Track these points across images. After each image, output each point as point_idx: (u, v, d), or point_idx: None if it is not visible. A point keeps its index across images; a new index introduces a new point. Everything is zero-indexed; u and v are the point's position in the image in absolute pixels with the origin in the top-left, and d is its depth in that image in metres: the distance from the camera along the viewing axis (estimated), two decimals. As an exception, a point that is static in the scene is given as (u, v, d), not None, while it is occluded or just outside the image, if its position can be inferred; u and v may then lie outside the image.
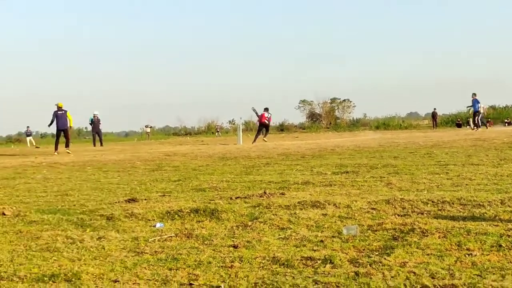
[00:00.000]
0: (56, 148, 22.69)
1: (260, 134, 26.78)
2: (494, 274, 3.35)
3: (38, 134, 69.35)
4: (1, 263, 4.12)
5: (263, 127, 27.09)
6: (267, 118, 26.91)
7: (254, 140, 25.94)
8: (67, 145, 22.58)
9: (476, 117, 32.20)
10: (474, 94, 31.87)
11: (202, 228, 5.17)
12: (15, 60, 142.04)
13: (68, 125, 22.57)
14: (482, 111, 34.44)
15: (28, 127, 49.41)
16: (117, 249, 4.46)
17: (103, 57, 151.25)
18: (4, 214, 6.24)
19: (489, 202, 5.60)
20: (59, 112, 22.20)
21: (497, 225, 4.64)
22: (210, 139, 39.71)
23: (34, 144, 45.06)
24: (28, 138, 48.28)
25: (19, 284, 3.59)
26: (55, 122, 22.27)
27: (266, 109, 26.89)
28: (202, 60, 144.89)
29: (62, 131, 22.40)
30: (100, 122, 31.76)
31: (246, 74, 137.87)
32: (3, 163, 16.59)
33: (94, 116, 31.58)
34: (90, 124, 32.29)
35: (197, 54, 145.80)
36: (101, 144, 30.63)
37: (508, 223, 4.69)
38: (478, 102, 31.98)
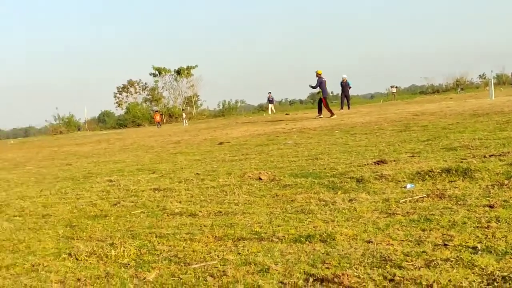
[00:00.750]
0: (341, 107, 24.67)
1: None
2: None
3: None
4: (261, 224, 4.41)
5: None
6: None
7: None
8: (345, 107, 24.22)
9: None
10: None
11: (455, 188, 5.03)
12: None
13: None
14: None
15: (270, 93, 47.00)
16: (369, 210, 4.52)
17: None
18: (260, 179, 6.64)
19: None
20: (322, 80, 22.95)
21: None
22: (459, 95, 38.06)
23: (275, 111, 44.33)
24: (270, 105, 46.12)
25: (278, 244, 3.81)
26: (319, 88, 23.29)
27: None
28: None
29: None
30: (350, 86, 31.98)
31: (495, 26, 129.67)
32: (257, 131, 17.61)
33: (342, 80, 31.44)
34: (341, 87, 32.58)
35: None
36: (349, 107, 30.88)
37: None
38: None
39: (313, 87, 23.41)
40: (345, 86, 31.43)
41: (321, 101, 23.30)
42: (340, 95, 32.42)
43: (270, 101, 46.49)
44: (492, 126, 10.39)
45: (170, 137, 20.63)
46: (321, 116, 22.77)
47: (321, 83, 22.85)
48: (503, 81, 63.00)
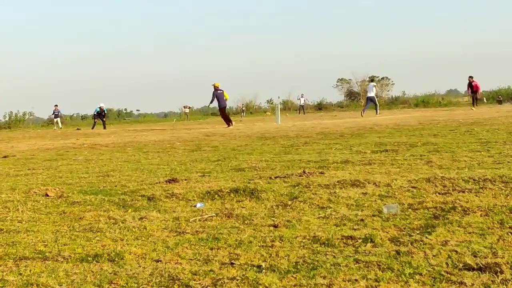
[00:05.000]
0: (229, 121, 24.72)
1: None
2: (538, 252, 3.30)
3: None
4: (45, 243, 4.21)
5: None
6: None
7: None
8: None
9: None
10: None
11: (242, 207, 5.20)
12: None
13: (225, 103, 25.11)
14: None
15: (56, 106, 43.89)
16: (159, 229, 4.52)
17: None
18: (47, 195, 6.36)
19: (532, 179, 5.51)
20: (218, 92, 24.32)
21: (541, 203, 4.56)
22: (249, 118, 39.64)
23: (61, 126, 42.25)
24: (56, 119, 43.57)
25: (63, 264, 3.66)
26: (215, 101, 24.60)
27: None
28: (241, 37, 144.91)
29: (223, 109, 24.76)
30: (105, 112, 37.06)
31: (281, 55, 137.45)
32: (45, 145, 16.89)
33: (100, 108, 36.41)
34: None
35: (241, 30, 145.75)
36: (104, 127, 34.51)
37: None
38: None
39: (211, 102, 24.86)
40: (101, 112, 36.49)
41: (222, 112, 24.82)
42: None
43: (56, 114, 44.02)
44: (278, 149, 10.95)
45: None
46: (230, 124, 24.05)
47: (217, 96, 24.10)
48: (289, 107, 66.71)
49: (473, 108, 29.99)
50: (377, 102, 30.76)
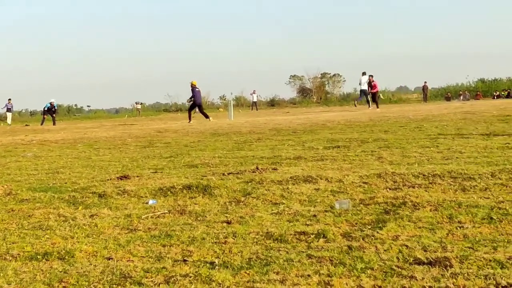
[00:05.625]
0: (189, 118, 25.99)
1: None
2: (485, 246, 3.37)
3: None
4: (-6, 242, 4.12)
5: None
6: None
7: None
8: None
9: None
10: None
11: (195, 204, 5.18)
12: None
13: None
14: None
15: (9, 99, 42.30)
16: (110, 226, 4.46)
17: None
18: (-5, 192, 6.22)
19: (479, 175, 5.62)
20: (196, 90, 25.44)
21: (487, 198, 4.67)
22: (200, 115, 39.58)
23: (10, 123, 40.60)
24: (7, 114, 42.53)
25: (12, 262, 3.59)
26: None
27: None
28: (197, 34, 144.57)
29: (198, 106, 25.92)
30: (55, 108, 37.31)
31: (235, 50, 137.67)
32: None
33: (50, 104, 36.21)
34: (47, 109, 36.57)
35: (193, 28, 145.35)
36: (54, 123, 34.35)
37: (499, 196, 4.72)
38: None
39: (189, 99, 26.15)
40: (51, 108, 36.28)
41: (196, 107, 26.07)
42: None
43: (9, 108, 42.59)
44: (231, 146, 10.95)
45: None
46: (209, 119, 24.94)
47: (195, 93, 25.49)
48: (242, 103, 66.71)
49: (361, 108, 30.36)
50: (369, 96, 31.72)
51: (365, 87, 30.78)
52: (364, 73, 30.63)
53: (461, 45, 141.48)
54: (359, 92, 32.99)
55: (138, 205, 5.30)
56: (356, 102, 33.61)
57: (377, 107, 30.74)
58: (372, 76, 30.84)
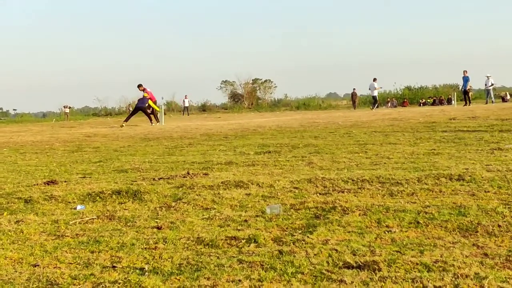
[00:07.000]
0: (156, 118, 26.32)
1: None
2: (412, 250, 3.45)
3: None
4: None
5: None
6: None
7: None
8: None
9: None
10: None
11: (125, 209, 5.10)
12: None
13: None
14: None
15: None
16: (37, 232, 4.35)
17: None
18: None
19: (406, 180, 5.76)
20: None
21: (414, 202, 4.78)
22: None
23: None
24: None
25: None
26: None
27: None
28: (120, 36, 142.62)
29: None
30: None
31: (166, 56, 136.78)
32: None
33: None
34: None
35: (122, 28, 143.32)
36: None
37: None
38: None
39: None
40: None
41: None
42: None
43: None
44: (162, 150, 10.86)
45: None
46: (157, 123, 25.26)
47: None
48: (173, 108, 66.37)
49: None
50: (377, 100, 36.61)
51: (375, 93, 34.58)
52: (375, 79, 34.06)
53: (388, 52, 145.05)
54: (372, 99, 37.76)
55: (65, 210, 5.19)
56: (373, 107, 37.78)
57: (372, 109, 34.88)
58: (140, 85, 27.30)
